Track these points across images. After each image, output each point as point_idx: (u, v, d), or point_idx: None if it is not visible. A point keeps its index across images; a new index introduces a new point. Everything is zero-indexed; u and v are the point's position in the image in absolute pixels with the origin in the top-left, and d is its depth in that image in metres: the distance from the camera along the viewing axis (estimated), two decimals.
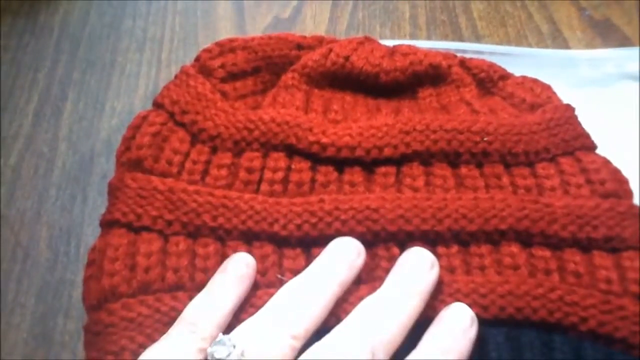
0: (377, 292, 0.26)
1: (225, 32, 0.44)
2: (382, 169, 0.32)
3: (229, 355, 0.23)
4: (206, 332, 0.25)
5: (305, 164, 0.32)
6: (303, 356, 0.24)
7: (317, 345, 0.24)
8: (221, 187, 0.31)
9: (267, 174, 0.31)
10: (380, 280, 0.28)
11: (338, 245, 0.28)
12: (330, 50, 0.35)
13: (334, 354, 0.23)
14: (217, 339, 0.24)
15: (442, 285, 0.28)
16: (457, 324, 0.26)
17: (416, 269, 0.27)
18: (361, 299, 0.27)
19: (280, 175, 0.31)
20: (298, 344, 0.24)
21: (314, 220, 0.29)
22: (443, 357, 0.24)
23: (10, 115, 0.41)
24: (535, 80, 0.35)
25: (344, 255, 0.28)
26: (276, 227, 0.30)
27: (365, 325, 0.24)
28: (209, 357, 0.24)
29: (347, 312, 0.26)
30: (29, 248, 0.35)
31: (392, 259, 0.29)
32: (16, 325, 0.33)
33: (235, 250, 0.29)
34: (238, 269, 0.28)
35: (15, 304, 0.33)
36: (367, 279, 0.29)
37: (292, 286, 0.26)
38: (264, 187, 0.31)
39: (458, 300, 0.27)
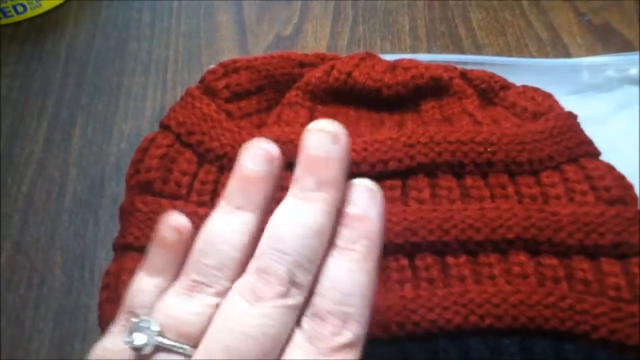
0: (282, 203, 0.22)
1: (229, 51, 0.44)
2: (388, 183, 0.32)
3: (148, 339, 0.21)
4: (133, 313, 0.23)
5: None
6: (222, 303, 0.21)
7: (233, 288, 0.21)
8: None
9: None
10: (392, 291, 0.28)
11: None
12: (333, 67, 0.36)
13: (249, 298, 0.20)
14: (135, 322, 0.21)
15: (454, 295, 0.28)
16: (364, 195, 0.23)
17: (319, 153, 0.22)
18: None
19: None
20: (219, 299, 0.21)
21: None
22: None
23: (21, 142, 0.41)
24: (536, 89, 0.35)
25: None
26: None
27: (276, 249, 0.21)
28: (130, 347, 0.21)
29: None
30: (45, 274, 0.36)
31: (402, 270, 0.29)
32: (35, 351, 0.33)
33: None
34: None
35: (33, 329, 0.34)
36: (377, 292, 0.29)
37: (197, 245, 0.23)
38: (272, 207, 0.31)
39: (472, 310, 0.27)
